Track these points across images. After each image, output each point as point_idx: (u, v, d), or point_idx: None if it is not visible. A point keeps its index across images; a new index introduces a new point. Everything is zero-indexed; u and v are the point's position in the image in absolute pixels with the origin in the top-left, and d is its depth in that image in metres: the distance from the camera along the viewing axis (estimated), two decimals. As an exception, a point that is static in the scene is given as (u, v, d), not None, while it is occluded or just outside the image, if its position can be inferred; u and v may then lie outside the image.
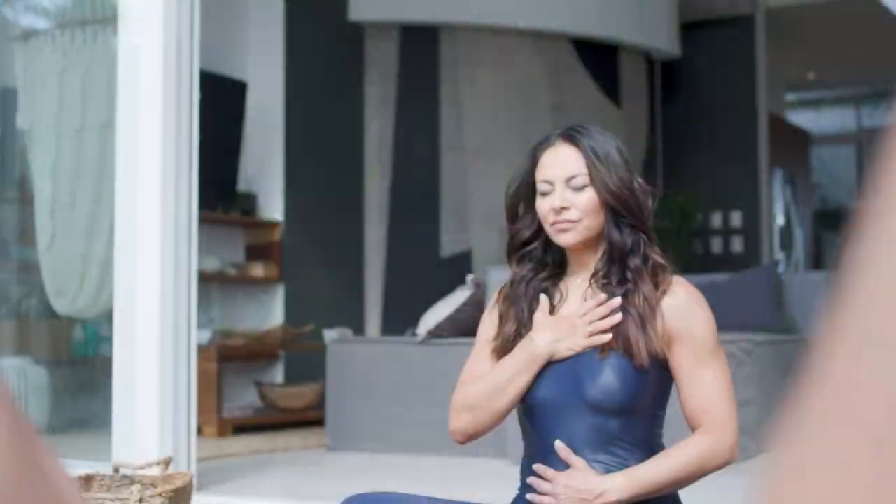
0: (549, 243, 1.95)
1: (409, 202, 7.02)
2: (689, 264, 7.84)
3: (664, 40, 7.92)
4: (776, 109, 9.58)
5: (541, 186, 1.91)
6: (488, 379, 1.90)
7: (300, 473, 4.11)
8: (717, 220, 8.31)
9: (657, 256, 1.90)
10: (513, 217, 1.99)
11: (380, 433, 4.72)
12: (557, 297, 1.95)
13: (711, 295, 6.04)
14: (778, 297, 5.32)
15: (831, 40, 9.57)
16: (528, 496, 1.83)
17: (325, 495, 3.56)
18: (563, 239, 1.89)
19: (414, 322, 5.32)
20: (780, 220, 9.36)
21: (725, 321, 5.41)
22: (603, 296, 1.86)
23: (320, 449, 4.89)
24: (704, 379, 1.85)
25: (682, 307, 1.86)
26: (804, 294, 5.34)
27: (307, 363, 6.25)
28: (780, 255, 9.22)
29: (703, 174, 8.30)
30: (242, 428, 5.64)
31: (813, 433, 0.34)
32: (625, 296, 1.86)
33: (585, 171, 1.87)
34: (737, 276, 5.57)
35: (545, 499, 1.81)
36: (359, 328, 6.78)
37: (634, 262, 1.88)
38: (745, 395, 4.49)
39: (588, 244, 1.91)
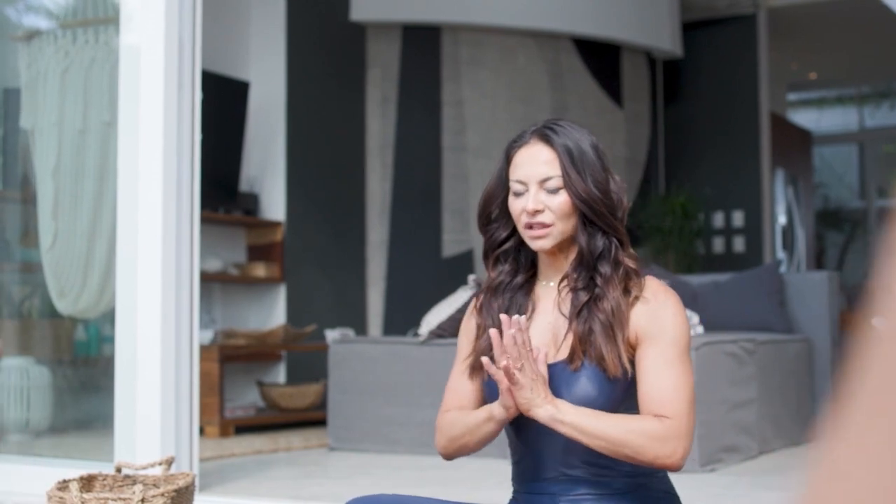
0: (523, 242, 1.92)
1: (410, 202, 7.03)
2: (691, 264, 7.85)
3: (666, 40, 7.92)
4: (778, 109, 9.58)
5: (514, 186, 1.87)
6: (462, 423, 1.89)
7: (302, 473, 4.12)
8: (719, 219, 8.32)
9: (629, 261, 1.86)
10: (485, 220, 1.96)
11: (382, 433, 4.72)
12: (530, 307, 1.91)
13: (713, 294, 6.04)
14: (780, 297, 5.32)
15: (833, 40, 9.57)
16: (484, 360, 1.78)
17: (327, 495, 3.57)
18: (538, 245, 1.86)
19: (416, 322, 5.32)
20: (781, 219, 9.36)
21: (727, 320, 5.44)
22: (510, 331, 1.76)
23: (322, 449, 4.90)
24: (667, 377, 1.78)
25: (653, 312, 1.82)
26: (806, 294, 5.34)
27: (309, 363, 6.25)
28: (781, 254, 9.21)
29: (705, 174, 8.30)
30: (244, 428, 5.65)
31: (856, 432, 0.35)
32: (595, 301, 1.82)
33: (559, 173, 1.83)
34: (739, 276, 5.57)
35: (501, 374, 1.75)
36: (360, 328, 6.79)
37: (604, 267, 1.84)
38: (746, 394, 4.49)
39: (561, 247, 1.88)
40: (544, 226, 1.84)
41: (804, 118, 11.51)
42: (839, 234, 12.02)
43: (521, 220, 1.86)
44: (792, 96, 11.43)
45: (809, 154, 10.42)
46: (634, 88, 8.00)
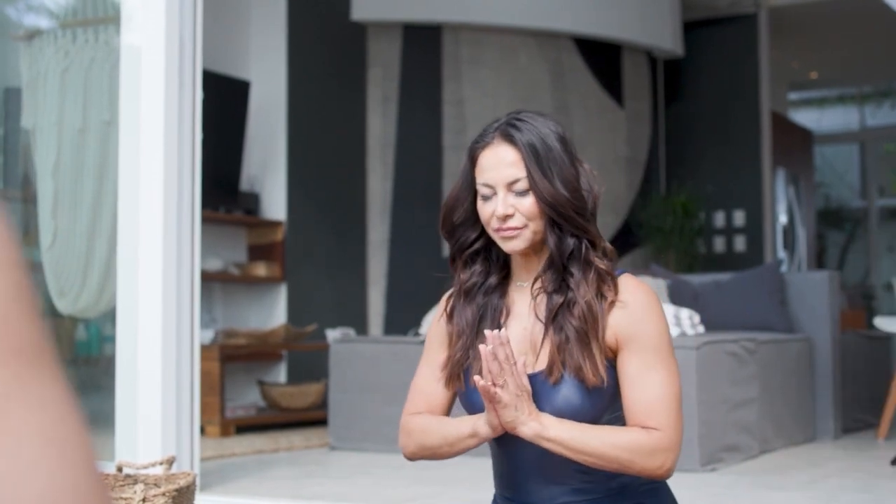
0: (493, 241, 1.86)
1: (411, 201, 7.02)
2: (692, 263, 7.84)
3: (667, 39, 7.92)
4: (779, 108, 9.58)
5: (481, 190, 1.80)
6: (439, 433, 1.84)
7: (303, 473, 4.11)
8: (719, 219, 8.31)
9: (600, 263, 1.79)
10: (450, 226, 1.88)
11: (382, 433, 4.72)
12: (504, 311, 1.86)
13: (714, 294, 6.02)
14: (780, 296, 5.31)
15: (834, 39, 9.56)
16: (475, 377, 1.73)
17: (328, 495, 3.57)
18: (510, 246, 1.80)
19: (416, 321, 5.32)
20: (782, 218, 9.36)
21: (728, 320, 5.43)
22: (488, 347, 1.71)
23: (323, 448, 4.90)
24: (652, 385, 1.73)
25: (630, 316, 1.76)
26: (806, 293, 5.34)
27: (310, 363, 6.25)
28: (782, 253, 9.21)
29: (706, 173, 8.30)
30: (245, 427, 5.65)
31: None
32: (568, 306, 1.77)
33: (525, 174, 1.77)
34: (739, 275, 5.57)
35: (489, 385, 1.70)
36: (361, 328, 6.79)
37: (575, 269, 1.79)
38: (747, 394, 4.48)
39: (535, 247, 1.83)
40: (516, 228, 1.78)
41: (805, 117, 11.50)
42: (840, 234, 12.02)
43: (490, 224, 1.80)
44: (793, 95, 11.43)
45: (810, 153, 10.42)
46: (635, 88, 8.00)
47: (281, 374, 6.36)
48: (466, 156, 1.85)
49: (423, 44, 7.13)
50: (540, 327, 1.81)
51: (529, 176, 1.77)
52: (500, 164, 1.78)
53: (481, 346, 1.71)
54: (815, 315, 5.29)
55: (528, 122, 1.80)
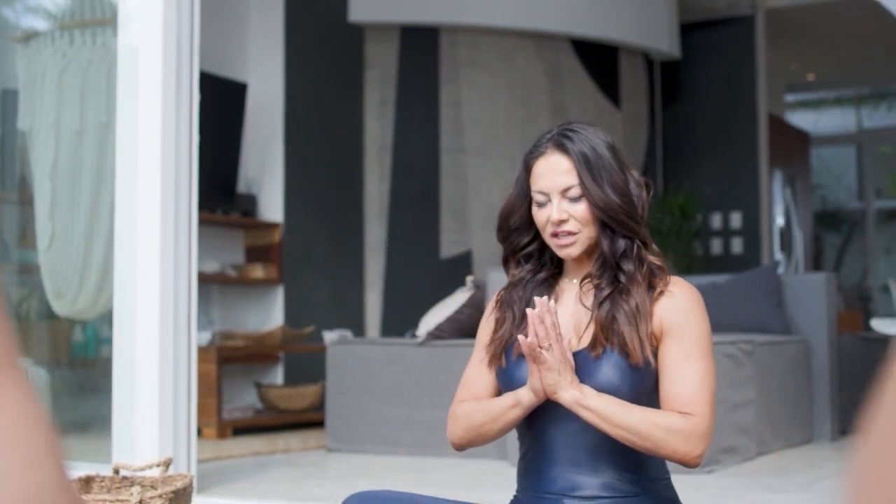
0: (545, 245, 1.95)
1: (408, 203, 7.03)
2: (689, 265, 7.85)
3: (664, 41, 7.92)
4: (776, 110, 9.59)
5: (536, 197, 1.90)
6: (483, 410, 1.90)
7: (300, 475, 4.11)
8: (716, 220, 8.32)
9: (653, 259, 1.90)
10: (506, 232, 1.98)
11: (380, 434, 4.72)
12: (552, 299, 1.93)
13: (711, 296, 6.02)
14: (777, 298, 5.31)
15: (831, 41, 9.57)
16: (520, 337, 1.79)
17: (325, 496, 3.56)
18: (566, 253, 1.90)
19: (414, 323, 5.32)
20: (779, 220, 9.37)
21: (725, 322, 5.43)
22: (535, 310, 1.79)
23: (320, 450, 4.90)
24: (691, 373, 1.81)
25: (678, 307, 1.85)
26: (803, 295, 5.34)
27: (307, 364, 6.25)
28: (779, 255, 9.22)
29: (703, 175, 8.30)
30: (242, 429, 5.64)
31: (890, 427, 0.35)
32: (619, 293, 1.85)
33: (578, 181, 1.87)
34: (737, 277, 5.57)
35: (534, 347, 1.76)
36: (359, 329, 6.79)
37: (628, 266, 1.87)
38: (745, 395, 4.49)
39: (588, 250, 1.92)
40: (571, 233, 1.87)
41: (802, 119, 11.51)
42: (837, 235, 12.03)
43: (546, 230, 1.89)
44: (790, 97, 11.44)
45: (807, 155, 10.43)
46: (633, 89, 8.00)
47: (278, 375, 6.35)
48: (521, 165, 1.95)
49: (421, 46, 7.13)
50: (585, 313, 1.89)
51: (581, 183, 1.87)
52: (554, 173, 1.89)
53: (529, 310, 1.79)
54: (812, 317, 5.29)
55: (579, 132, 1.90)
